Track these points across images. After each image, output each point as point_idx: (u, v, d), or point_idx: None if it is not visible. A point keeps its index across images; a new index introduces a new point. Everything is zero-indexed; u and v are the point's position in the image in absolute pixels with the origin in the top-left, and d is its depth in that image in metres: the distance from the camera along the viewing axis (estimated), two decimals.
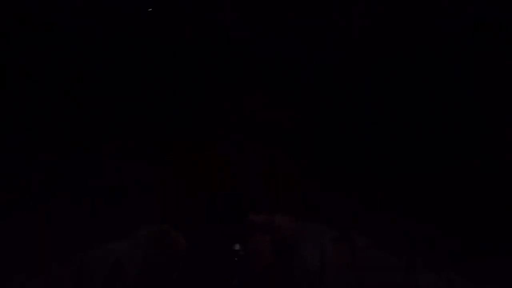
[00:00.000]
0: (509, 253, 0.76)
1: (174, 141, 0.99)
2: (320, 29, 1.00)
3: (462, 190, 0.87)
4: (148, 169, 0.95)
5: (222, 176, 0.91)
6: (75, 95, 0.98)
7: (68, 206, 0.89)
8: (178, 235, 0.80)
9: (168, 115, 1.01)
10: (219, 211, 0.83)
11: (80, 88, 0.99)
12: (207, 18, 1.01)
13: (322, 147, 0.99)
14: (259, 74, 1.02)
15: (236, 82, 1.02)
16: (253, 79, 1.02)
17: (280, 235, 0.68)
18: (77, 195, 0.90)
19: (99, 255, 0.73)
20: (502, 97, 0.90)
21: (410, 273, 0.59)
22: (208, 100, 1.02)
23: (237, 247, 0.75)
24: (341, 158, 0.96)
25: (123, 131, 0.99)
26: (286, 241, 0.67)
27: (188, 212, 0.87)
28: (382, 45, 0.98)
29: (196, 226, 0.82)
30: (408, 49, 0.96)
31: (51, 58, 0.97)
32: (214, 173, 0.86)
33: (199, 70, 1.02)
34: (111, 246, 0.76)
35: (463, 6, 0.91)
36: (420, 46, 0.95)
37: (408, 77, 0.97)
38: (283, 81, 1.02)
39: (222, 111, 1.01)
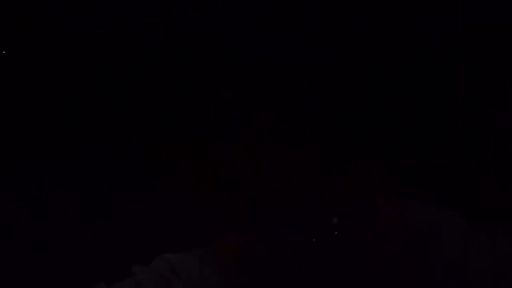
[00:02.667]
0: None
1: (173, 141, 0.99)
2: (320, 28, 1.00)
3: None
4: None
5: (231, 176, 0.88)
6: (70, 96, 0.98)
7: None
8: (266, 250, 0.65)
9: (164, 116, 1.01)
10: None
11: (75, 89, 0.99)
12: (204, 18, 1.01)
13: (322, 147, 0.98)
14: (256, 74, 1.02)
15: (234, 82, 1.02)
16: (251, 79, 1.02)
17: (413, 221, 0.59)
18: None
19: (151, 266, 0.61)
20: (502, 97, 0.90)
21: None
22: (205, 100, 1.02)
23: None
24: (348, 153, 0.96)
25: (122, 131, 0.99)
26: (420, 228, 0.58)
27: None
28: (382, 45, 0.98)
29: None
30: (407, 49, 0.96)
31: (44, 58, 0.97)
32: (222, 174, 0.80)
33: (196, 70, 1.02)
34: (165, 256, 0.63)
35: (463, 6, 0.91)
36: (420, 46, 0.95)
37: (408, 77, 0.97)
38: (282, 81, 1.02)
39: (220, 111, 1.01)
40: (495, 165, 0.87)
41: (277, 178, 0.84)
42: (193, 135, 1.00)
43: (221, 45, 1.01)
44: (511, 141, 0.87)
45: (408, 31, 0.96)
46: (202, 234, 0.75)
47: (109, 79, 1.00)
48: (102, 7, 0.97)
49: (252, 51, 1.01)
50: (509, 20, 0.88)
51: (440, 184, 0.89)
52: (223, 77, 1.02)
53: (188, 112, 1.02)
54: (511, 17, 0.88)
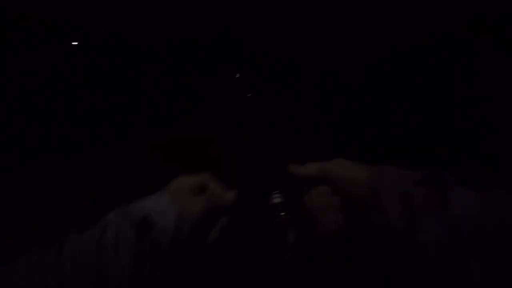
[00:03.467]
0: None
1: (173, 141, 0.99)
2: (320, 28, 1.00)
3: None
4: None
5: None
6: (70, 96, 0.98)
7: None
8: (222, 187, 0.64)
9: (164, 116, 1.01)
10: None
11: (75, 89, 0.99)
12: (204, 18, 1.01)
13: (323, 146, 0.98)
14: (256, 74, 1.02)
15: (234, 82, 1.02)
16: (251, 79, 1.02)
17: (345, 186, 0.51)
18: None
19: (124, 213, 0.59)
20: (502, 97, 0.90)
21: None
22: (205, 100, 1.02)
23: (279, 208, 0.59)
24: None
25: (121, 132, 0.99)
26: (355, 194, 0.50)
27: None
28: (382, 45, 0.98)
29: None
30: (407, 49, 0.96)
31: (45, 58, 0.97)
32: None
33: (196, 70, 1.02)
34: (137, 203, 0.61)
35: (463, 6, 0.91)
36: (420, 46, 0.95)
37: (408, 77, 0.97)
38: (282, 81, 1.02)
39: (220, 111, 1.01)
40: (495, 165, 0.87)
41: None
42: (193, 135, 1.00)
43: (221, 45, 1.01)
44: (511, 141, 0.87)
45: (408, 31, 0.96)
46: None
47: (109, 79, 1.00)
48: (102, 7, 0.97)
49: (252, 51, 1.01)
50: (509, 20, 0.88)
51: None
52: (223, 77, 1.02)
53: (188, 112, 1.02)
54: (511, 17, 0.88)
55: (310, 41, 1.00)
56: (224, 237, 0.64)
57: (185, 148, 0.98)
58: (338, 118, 1.00)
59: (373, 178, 0.50)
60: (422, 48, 0.95)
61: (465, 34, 0.92)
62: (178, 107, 1.01)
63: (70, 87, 0.98)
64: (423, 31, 0.95)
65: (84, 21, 0.98)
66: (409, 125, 0.96)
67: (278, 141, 0.95)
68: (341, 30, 0.99)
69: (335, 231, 0.53)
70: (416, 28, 0.95)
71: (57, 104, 0.97)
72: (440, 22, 0.94)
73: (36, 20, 0.96)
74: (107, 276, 0.54)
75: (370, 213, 0.48)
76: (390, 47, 0.97)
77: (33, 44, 0.96)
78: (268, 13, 1.00)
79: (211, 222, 0.63)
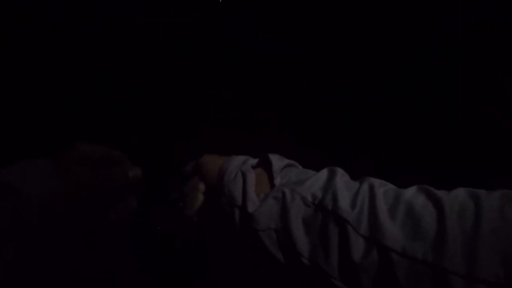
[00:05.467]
0: None
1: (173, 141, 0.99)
2: (320, 28, 1.00)
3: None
4: None
5: None
6: (70, 96, 0.98)
7: None
8: (127, 161, 0.60)
9: (164, 116, 1.01)
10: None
11: (75, 89, 0.99)
12: (204, 18, 1.01)
13: (323, 146, 0.98)
14: (256, 74, 1.02)
15: (234, 82, 1.02)
16: (251, 79, 1.02)
17: (206, 174, 0.60)
18: None
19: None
20: (502, 97, 0.90)
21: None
22: (205, 100, 1.02)
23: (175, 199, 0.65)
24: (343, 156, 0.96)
25: (120, 132, 0.99)
26: (211, 179, 0.59)
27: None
28: (382, 45, 0.98)
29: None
30: (407, 49, 0.96)
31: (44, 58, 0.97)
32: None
33: (196, 70, 1.02)
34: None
35: (463, 6, 0.91)
36: (420, 46, 0.95)
37: (408, 77, 0.97)
38: (282, 81, 1.02)
39: (220, 111, 1.01)
40: (495, 165, 0.87)
41: None
42: (193, 135, 1.00)
43: (221, 45, 1.01)
44: (511, 141, 0.87)
45: (408, 31, 0.96)
46: None
47: (109, 79, 1.00)
48: (102, 7, 0.97)
49: (252, 51, 1.01)
50: (509, 20, 0.88)
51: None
52: (223, 77, 1.02)
53: (188, 112, 1.02)
54: (511, 17, 0.88)
55: (310, 41, 1.00)
56: (130, 218, 0.61)
57: (185, 148, 0.98)
58: (338, 118, 1.00)
59: (222, 165, 0.58)
60: (422, 48, 0.95)
61: (465, 34, 0.92)
62: (178, 107, 1.01)
63: (70, 87, 0.98)
64: (423, 31, 0.95)
65: (84, 21, 0.98)
66: (409, 125, 0.96)
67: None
68: (341, 30, 0.99)
69: (197, 209, 0.61)
70: (416, 28, 0.95)
71: (57, 104, 0.97)
72: (440, 22, 0.94)
73: (36, 20, 0.96)
74: None
75: (218, 194, 0.56)
76: (390, 47, 0.97)
77: (33, 44, 0.96)
78: (268, 13, 1.00)
79: (109, 200, 0.58)
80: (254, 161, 0.59)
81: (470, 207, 0.42)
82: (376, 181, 0.50)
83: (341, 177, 0.51)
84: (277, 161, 0.57)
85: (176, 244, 0.67)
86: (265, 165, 0.57)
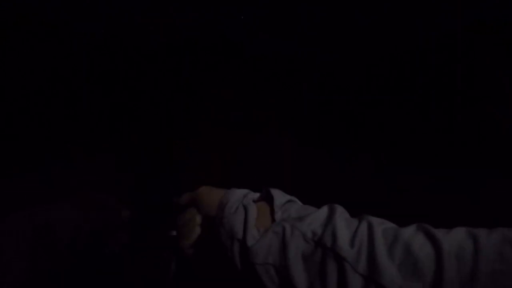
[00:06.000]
0: None
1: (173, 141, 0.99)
2: (320, 28, 1.00)
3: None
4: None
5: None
6: (70, 96, 0.98)
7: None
8: (120, 206, 0.74)
9: (164, 116, 1.01)
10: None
11: (75, 89, 0.99)
12: (204, 18, 1.01)
13: (323, 146, 0.99)
14: (256, 74, 1.02)
15: (234, 82, 1.02)
16: (251, 79, 1.02)
17: (204, 206, 0.62)
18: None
19: (23, 217, 0.65)
20: (502, 97, 0.90)
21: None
22: (205, 100, 1.02)
23: (172, 232, 0.69)
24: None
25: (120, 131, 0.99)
26: (210, 211, 0.60)
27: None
28: (382, 45, 0.98)
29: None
30: (407, 49, 0.96)
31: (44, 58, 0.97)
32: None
33: (196, 70, 1.02)
34: (41, 208, 0.67)
35: (463, 6, 0.91)
36: (420, 46, 0.95)
37: (408, 77, 0.97)
38: (282, 81, 1.02)
39: (220, 111, 1.01)
40: (495, 165, 0.87)
41: None
42: (193, 135, 1.00)
43: (221, 45, 1.01)
44: (511, 141, 0.87)
45: (408, 31, 0.96)
46: None
47: (109, 79, 1.00)
48: (102, 7, 0.97)
49: (252, 51, 1.01)
50: (509, 20, 0.88)
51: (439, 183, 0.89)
52: (223, 77, 1.02)
53: (188, 112, 1.02)
54: (511, 17, 0.88)
55: (310, 41, 1.00)
56: (122, 251, 0.72)
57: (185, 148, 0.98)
58: (338, 118, 1.00)
59: (223, 198, 0.59)
60: (422, 48, 0.95)
61: (465, 34, 0.92)
62: (178, 107, 1.01)
63: (70, 87, 0.98)
64: (423, 31, 0.95)
65: (84, 21, 0.98)
66: (409, 125, 0.96)
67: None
68: (341, 30, 0.99)
69: (193, 241, 0.63)
70: (416, 28, 0.95)
71: (57, 104, 0.97)
72: (440, 22, 0.94)
73: (36, 20, 0.96)
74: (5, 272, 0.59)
75: (218, 226, 0.57)
76: (390, 47, 0.97)
77: (33, 44, 0.96)
78: (268, 13, 1.00)
79: (108, 235, 0.72)
80: (255, 195, 0.60)
81: (469, 248, 0.42)
82: (375, 220, 0.50)
83: (341, 215, 0.52)
84: (279, 196, 0.58)
85: (172, 266, 0.68)
86: (267, 199, 0.58)
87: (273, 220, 0.55)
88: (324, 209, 0.54)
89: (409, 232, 0.47)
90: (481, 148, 0.90)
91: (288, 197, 0.59)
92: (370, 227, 0.48)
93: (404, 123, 0.96)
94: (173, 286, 0.70)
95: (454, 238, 0.44)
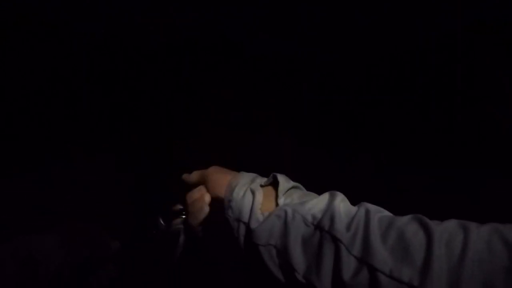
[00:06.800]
0: None
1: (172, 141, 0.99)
2: (320, 28, 1.00)
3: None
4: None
5: None
6: (70, 96, 0.98)
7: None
8: (109, 237, 0.74)
9: (164, 116, 1.01)
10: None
11: (75, 89, 0.99)
12: (204, 18, 1.01)
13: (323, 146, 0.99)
14: (256, 74, 1.02)
15: (234, 82, 1.02)
16: (251, 79, 1.02)
17: (213, 186, 0.64)
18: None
19: (6, 250, 0.65)
20: (502, 97, 0.90)
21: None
22: (205, 100, 1.02)
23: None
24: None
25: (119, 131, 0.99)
26: (219, 191, 0.63)
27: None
28: (382, 45, 0.98)
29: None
30: (407, 49, 0.96)
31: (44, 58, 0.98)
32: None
33: (196, 70, 1.02)
34: (24, 239, 0.67)
35: (463, 6, 0.91)
36: (420, 46, 0.95)
37: (408, 77, 0.97)
38: (282, 81, 1.02)
39: (220, 111, 1.01)
40: (495, 165, 0.87)
41: None
42: (193, 135, 1.00)
43: (221, 45, 1.01)
44: (511, 141, 0.87)
45: (408, 31, 0.96)
46: None
47: (109, 79, 1.00)
48: (102, 7, 0.97)
49: (252, 51, 1.01)
50: (509, 20, 0.88)
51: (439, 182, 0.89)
52: (223, 77, 1.02)
53: (188, 112, 1.02)
54: (511, 17, 0.88)
55: (310, 41, 1.00)
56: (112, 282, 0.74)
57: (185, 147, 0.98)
58: (338, 118, 1.00)
59: (232, 180, 0.62)
60: (422, 48, 0.95)
61: (465, 34, 0.92)
62: (178, 107, 1.01)
63: (70, 87, 0.98)
64: (423, 31, 0.95)
65: (84, 21, 0.98)
66: (409, 125, 0.96)
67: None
68: (341, 30, 0.99)
69: (202, 220, 0.65)
70: (416, 28, 0.95)
71: (57, 104, 0.97)
72: (440, 22, 0.94)
73: (36, 20, 0.96)
74: None
75: (227, 208, 0.60)
76: (390, 47, 0.97)
77: (33, 44, 0.96)
78: (268, 13, 1.00)
79: (94, 267, 0.73)
80: (262, 179, 0.63)
81: (459, 237, 0.44)
82: (373, 207, 0.53)
83: (341, 201, 0.55)
84: (284, 182, 0.60)
85: (179, 243, 0.69)
86: (273, 184, 0.61)
87: (277, 204, 0.58)
88: (325, 195, 0.56)
89: (404, 220, 0.49)
90: (481, 148, 0.90)
91: (292, 183, 0.61)
92: (367, 213, 0.51)
93: (404, 123, 0.96)
94: (180, 263, 0.71)
95: (446, 228, 0.46)
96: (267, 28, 1.00)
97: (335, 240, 0.49)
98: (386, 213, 0.53)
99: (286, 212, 0.54)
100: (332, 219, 0.51)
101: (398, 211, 0.53)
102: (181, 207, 0.70)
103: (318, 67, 1.01)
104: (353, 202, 0.56)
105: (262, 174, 0.64)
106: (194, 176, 0.68)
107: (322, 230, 0.51)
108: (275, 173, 0.61)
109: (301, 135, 1.01)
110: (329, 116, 1.01)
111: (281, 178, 0.60)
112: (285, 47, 1.01)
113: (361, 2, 0.97)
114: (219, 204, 0.62)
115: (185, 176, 0.70)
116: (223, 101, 1.01)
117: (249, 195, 0.59)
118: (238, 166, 0.67)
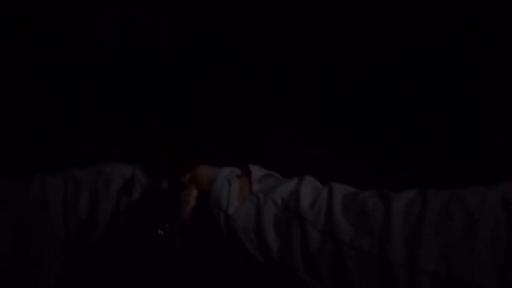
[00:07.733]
0: None
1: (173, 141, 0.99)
2: (320, 28, 1.00)
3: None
4: None
5: None
6: (70, 96, 0.98)
7: None
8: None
9: (164, 116, 1.01)
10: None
11: (75, 89, 0.99)
12: (204, 18, 1.01)
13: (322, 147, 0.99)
14: (256, 74, 1.02)
15: (234, 82, 1.02)
16: (251, 79, 1.02)
17: (199, 180, 0.70)
18: None
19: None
20: (502, 96, 0.90)
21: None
22: (202, 101, 1.02)
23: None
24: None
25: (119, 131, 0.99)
26: (204, 187, 0.69)
27: None
28: (382, 45, 0.98)
29: None
30: (407, 49, 0.96)
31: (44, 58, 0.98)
32: None
33: (196, 70, 1.02)
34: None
35: (463, 6, 0.91)
36: (420, 46, 0.95)
37: (408, 77, 0.97)
38: (282, 81, 1.02)
39: (220, 111, 1.01)
40: (494, 164, 0.87)
41: None
42: (190, 137, 1.00)
43: (221, 46, 1.02)
44: (510, 140, 0.88)
45: (408, 31, 0.96)
46: None
47: (109, 79, 1.00)
48: (102, 7, 0.98)
49: (252, 51, 1.01)
50: (509, 20, 0.88)
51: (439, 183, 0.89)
52: (222, 78, 1.02)
53: (187, 113, 1.02)
54: (511, 17, 0.88)
55: (309, 41, 1.00)
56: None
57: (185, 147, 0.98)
58: (338, 118, 1.00)
59: (213, 175, 0.67)
60: (422, 48, 0.95)
61: (465, 34, 0.92)
62: (178, 107, 1.01)
63: (69, 87, 0.98)
64: (423, 31, 0.95)
65: (84, 21, 0.98)
66: (409, 125, 0.96)
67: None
68: (340, 30, 0.99)
69: (189, 212, 0.70)
70: (416, 28, 0.95)
71: (56, 104, 0.97)
72: (440, 22, 0.94)
73: (36, 20, 0.96)
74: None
75: (208, 199, 0.65)
76: (390, 47, 0.97)
77: (33, 44, 0.96)
78: (268, 13, 1.00)
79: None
80: (238, 171, 0.68)
81: (417, 204, 0.47)
82: (339, 186, 0.58)
83: (308, 183, 0.60)
84: (256, 171, 0.66)
85: (176, 241, 0.72)
86: (248, 175, 0.66)
87: (252, 192, 0.63)
88: (294, 179, 0.61)
89: (367, 194, 0.54)
90: (481, 148, 0.90)
91: (266, 171, 0.67)
92: (330, 191, 0.56)
93: (404, 123, 0.96)
94: (178, 257, 0.75)
95: (405, 197, 0.49)
96: (267, 28, 1.00)
97: (301, 218, 0.54)
98: (351, 189, 0.58)
99: (258, 198, 0.60)
100: (297, 200, 0.56)
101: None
102: (177, 208, 0.74)
103: (318, 67, 1.02)
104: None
105: None
106: (187, 177, 0.74)
107: (290, 210, 0.56)
108: (248, 164, 0.67)
109: (301, 135, 1.01)
110: (329, 116, 1.01)
111: (254, 168, 0.66)
112: (285, 47, 1.01)
113: (360, 2, 0.97)
114: (203, 197, 0.68)
115: (180, 177, 0.76)
116: (222, 102, 1.02)
117: (225, 185, 0.64)
118: (238, 166, 0.68)
